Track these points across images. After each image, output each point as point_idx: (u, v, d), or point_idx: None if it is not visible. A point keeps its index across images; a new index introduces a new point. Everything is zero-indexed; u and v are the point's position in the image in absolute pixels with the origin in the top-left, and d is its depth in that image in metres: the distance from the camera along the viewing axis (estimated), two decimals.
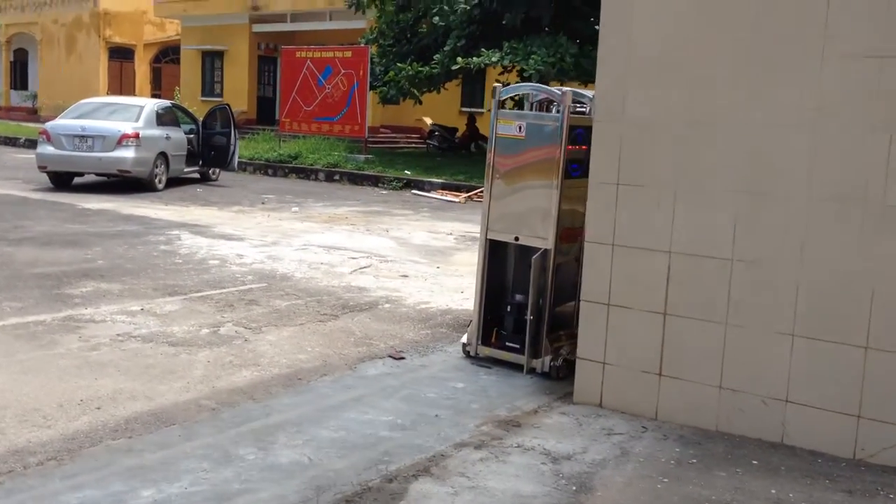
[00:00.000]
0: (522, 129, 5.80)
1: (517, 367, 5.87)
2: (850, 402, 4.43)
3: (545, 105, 6.23)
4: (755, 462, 4.44)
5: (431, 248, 10.64)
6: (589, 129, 5.76)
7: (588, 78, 19.41)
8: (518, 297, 6.07)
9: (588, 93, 5.93)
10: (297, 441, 4.57)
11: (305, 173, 19.82)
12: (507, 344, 5.99)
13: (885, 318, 4.31)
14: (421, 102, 21.74)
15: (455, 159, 21.42)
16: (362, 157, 20.48)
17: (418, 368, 5.87)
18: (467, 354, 6.10)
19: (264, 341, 6.31)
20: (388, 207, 14.66)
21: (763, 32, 4.59)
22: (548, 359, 5.71)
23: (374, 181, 18.42)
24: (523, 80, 24.22)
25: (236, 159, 17.74)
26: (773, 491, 4.10)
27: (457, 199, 15.80)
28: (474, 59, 17.66)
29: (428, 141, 24.44)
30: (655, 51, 4.93)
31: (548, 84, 22.08)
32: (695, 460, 4.46)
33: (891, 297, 4.29)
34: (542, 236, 5.73)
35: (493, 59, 17.37)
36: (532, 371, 5.79)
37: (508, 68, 20.69)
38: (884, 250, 4.30)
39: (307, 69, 22.25)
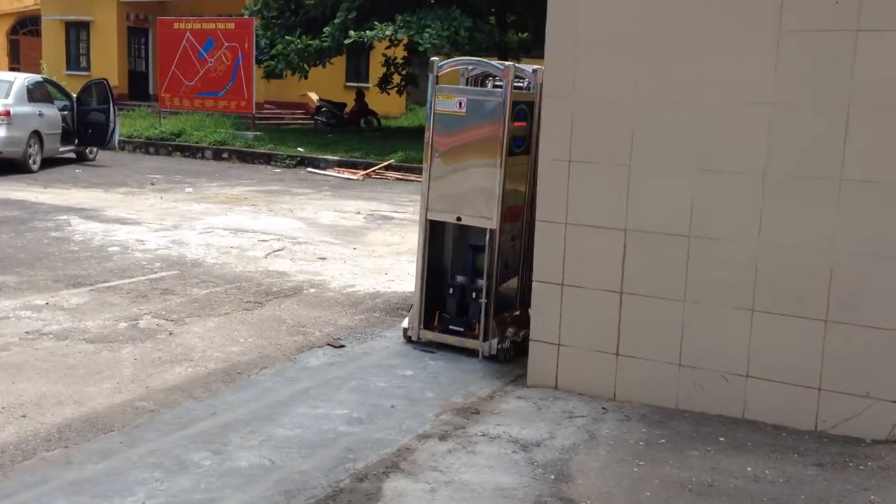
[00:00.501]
0: (463, 104, 5.60)
1: (461, 351, 5.71)
2: (811, 375, 4.48)
3: (480, 80, 6.04)
4: (722, 439, 4.43)
5: (342, 228, 10.32)
6: (531, 105, 5.63)
7: (482, 52, 19.33)
8: (459, 278, 5.90)
9: (526, 67, 5.77)
10: (253, 442, 4.27)
11: (191, 151, 18.98)
12: (450, 327, 5.81)
13: (844, 292, 4.37)
14: (306, 77, 21.14)
15: (347, 136, 20.96)
16: (251, 134, 19.77)
17: (361, 356, 5.62)
18: (408, 339, 5.89)
19: (191, 334, 5.91)
20: (287, 186, 14.19)
21: (716, 7, 4.54)
22: (495, 341, 5.57)
23: (266, 159, 17.81)
24: (410, 54, 24.02)
25: (117, 137, 16.77)
26: (749, 468, 4.09)
27: (355, 177, 15.45)
28: (367, 32, 17.26)
29: (316, 117, 23.82)
30: (607, 25, 4.81)
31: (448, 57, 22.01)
32: (664, 440, 4.42)
33: (849, 270, 4.35)
34: (486, 216, 5.56)
35: (387, 33, 17.02)
36: (479, 354, 5.65)
37: (395, 42, 20.39)
38: (841, 224, 4.34)
39: (187, 42, 21.22)
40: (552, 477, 4.01)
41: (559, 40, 4.95)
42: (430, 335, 5.83)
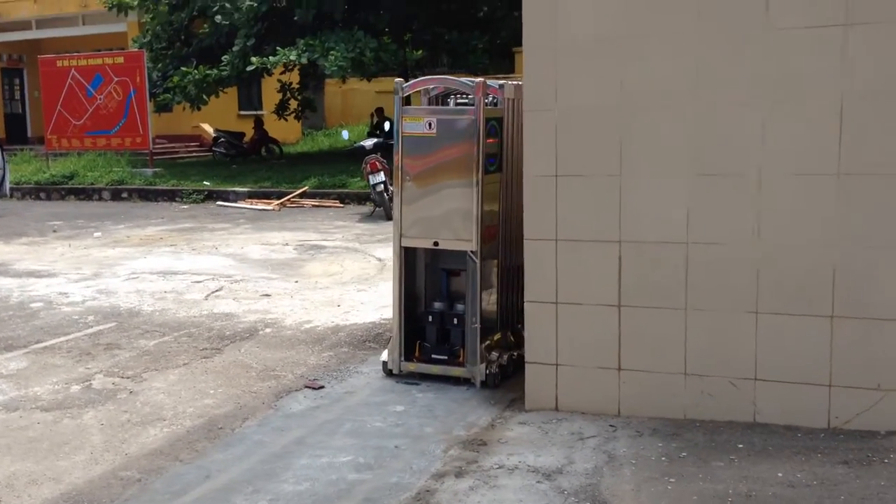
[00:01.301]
0: (433, 125, 5.39)
1: (446, 380, 5.47)
2: (821, 372, 4.45)
3: (441, 99, 5.85)
4: (741, 446, 4.35)
5: (275, 261, 9.92)
6: (500, 121, 5.48)
7: (388, 72, 19.16)
8: (437, 304, 5.67)
9: (492, 82, 5.60)
10: (261, 502, 3.93)
11: (87, 194, 18.05)
12: (433, 356, 5.57)
13: (849, 286, 4.36)
14: (199, 109, 20.44)
15: (251, 165, 20.37)
16: (150, 171, 18.98)
17: (345, 396, 5.32)
18: (389, 373, 5.61)
19: (154, 390, 5.47)
20: (201, 223, 13.62)
21: (705, 6, 4.49)
22: (483, 367, 5.37)
23: (170, 196, 17.10)
24: (309, 77, 23.60)
25: (7, 185, 15.82)
26: (780, 474, 4.01)
27: (270, 207, 14.97)
28: (270, 58, 16.82)
29: (214, 148, 23.06)
30: (588, 28, 4.68)
31: (345, 80, 21.69)
32: (685, 454, 4.30)
33: (852, 263, 4.34)
34: (465, 238, 5.35)
35: (291, 57, 16.62)
36: (467, 382, 5.43)
37: (291, 67, 19.96)
38: (842, 218, 4.34)
39: (73, 79, 20.27)
40: None
41: (537, 50, 4.81)
42: (411, 366, 5.57)
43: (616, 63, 4.65)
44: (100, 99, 19.91)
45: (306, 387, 5.47)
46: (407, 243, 5.53)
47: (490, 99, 5.51)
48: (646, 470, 4.15)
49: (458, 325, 5.54)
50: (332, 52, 16.24)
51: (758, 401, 4.57)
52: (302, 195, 15.63)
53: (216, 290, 8.36)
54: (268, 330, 6.84)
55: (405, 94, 5.52)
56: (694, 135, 4.54)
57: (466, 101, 5.68)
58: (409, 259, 5.65)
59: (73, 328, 7.03)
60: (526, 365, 5.03)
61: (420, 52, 21.07)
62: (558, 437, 4.60)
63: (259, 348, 6.34)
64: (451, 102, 5.78)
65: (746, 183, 4.48)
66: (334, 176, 16.52)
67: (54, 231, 13.21)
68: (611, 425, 4.71)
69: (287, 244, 11.04)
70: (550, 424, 4.77)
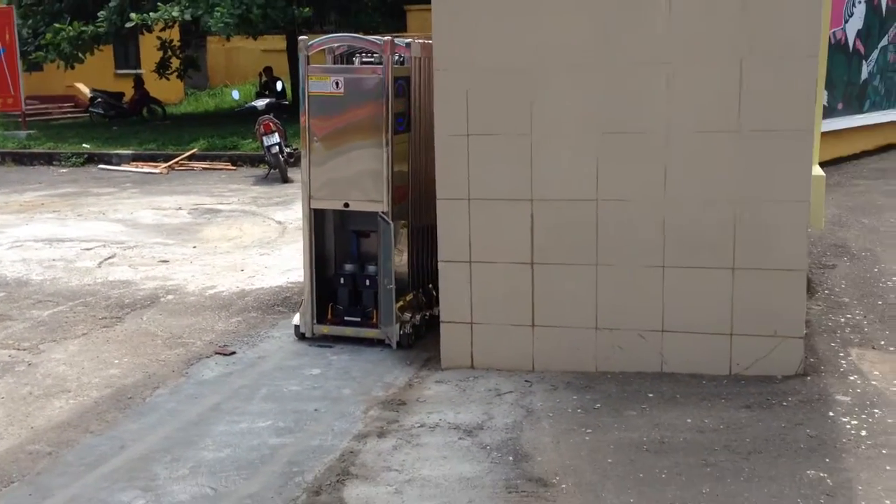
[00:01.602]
0: (340, 84, 5.30)
1: (360, 342, 5.47)
2: (723, 322, 4.66)
3: (346, 58, 5.76)
4: (651, 395, 4.53)
5: (169, 226, 9.61)
6: (407, 80, 5.44)
7: (277, 30, 18.65)
8: (348, 266, 5.64)
9: (399, 40, 5.54)
10: (182, 471, 3.86)
11: None
12: (346, 318, 5.55)
13: (749, 238, 4.57)
14: (73, 67, 19.40)
15: (133, 127, 19.54)
16: (23, 133, 17.95)
17: (258, 361, 5.24)
18: (301, 336, 5.56)
19: (54, 361, 5.26)
20: (84, 187, 13.02)
21: None
22: (397, 327, 5.38)
23: (48, 159, 16.24)
24: (191, 34, 22.78)
25: None
26: (689, 420, 4.21)
27: (157, 170, 14.43)
28: (151, 14, 16.09)
29: (91, 109, 21.97)
30: None
31: (229, 39, 20.99)
32: (599, 405, 4.45)
33: (752, 217, 4.55)
34: (376, 199, 5.32)
35: (174, 14, 15.94)
36: (381, 343, 5.43)
37: (171, 24, 19.19)
38: (742, 174, 4.53)
39: None
40: (510, 458, 3.92)
41: (447, 8, 4.79)
42: (324, 329, 5.54)
43: (524, 22, 4.68)
44: None
45: (217, 353, 5.37)
46: (316, 205, 5.47)
47: (397, 58, 5.47)
48: (563, 422, 4.27)
49: (370, 287, 5.54)
50: (217, 8, 15.66)
51: (665, 351, 4.76)
52: (191, 157, 15.13)
53: (109, 258, 8.05)
54: (170, 297, 6.65)
55: (310, 53, 5.40)
56: (602, 93, 4.64)
57: (372, 59, 5.61)
58: (317, 221, 5.58)
59: None
60: (441, 324, 5.07)
61: (308, 9, 20.60)
62: (476, 395, 4.67)
63: (162, 316, 6.17)
64: (357, 62, 5.70)
65: (653, 140, 4.61)
66: (224, 137, 16.05)
67: None
68: (526, 381, 4.82)
69: (180, 208, 10.71)
70: (467, 382, 4.84)
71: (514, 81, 4.74)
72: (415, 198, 5.55)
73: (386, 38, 5.29)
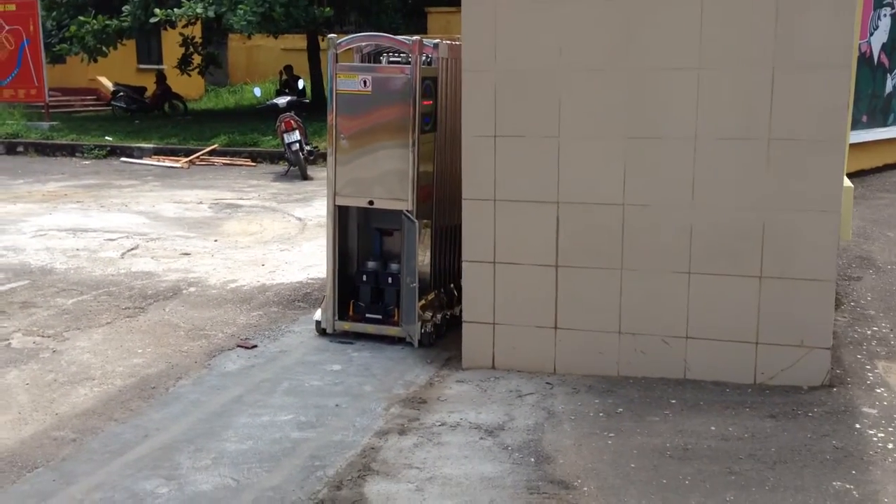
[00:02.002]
0: (368, 83, 5.31)
1: (380, 339, 5.48)
2: (748, 330, 4.64)
3: (374, 57, 5.76)
4: (674, 401, 4.51)
5: (191, 219, 9.65)
6: (435, 81, 5.44)
7: (299, 29, 18.70)
8: (371, 264, 5.65)
9: (427, 41, 5.54)
10: (205, 461, 3.87)
11: None
12: (367, 316, 5.56)
13: (777, 246, 4.54)
14: (96, 60, 19.51)
15: (154, 121, 19.65)
16: (46, 124, 18.09)
17: (279, 356, 5.25)
18: (322, 332, 5.58)
19: (78, 349, 5.29)
20: (106, 179, 13.11)
21: None
22: (419, 326, 5.38)
23: (70, 151, 16.36)
24: (212, 31, 22.86)
25: None
26: (713, 428, 4.19)
27: (178, 165, 14.51)
28: (175, 10, 16.19)
29: (113, 103, 22.10)
30: None
31: (250, 37, 21.06)
32: (621, 409, 4.43)
33: (780, 226, 4.53)
34: (401, 197, 5.33)
35: (198, 11, 16.02)
36: (401, 341, 5.44)
37: (193, 21, 19.27)
38: (771, 182, 4.51)
39: None
40: (532, 460, 3.92)
41: (477, 8, 4.80)
42: (346, 325, 5.55)
43: (554, 25, 4.68)
44: None
45: (238, 346, 5.39)
46: (341, 202, 5.48)
47: (424, 58, 5.44)
48: (585, 425, 4.26)
49: (392, 285, 5.54)
50: (240, 6, 15.73)
51: (688, 358, 4.74)
52: (212, 153, 15.20)
53: (132, 249, 8.09)
54: (192, 289, 6.68)
55: (339, 51, 5.41)
56: (630, 98, 4.62)
57: (399, 59, 5.62)
58: (341, 219, 5.59)
59: None
60: (463, 324, 5.07)
61: (329, 9, 20.66)
62: (497, 395, 4.67)
63: (185, 307, 6.19)
64: (384, 61, 5.71)
65: (681, 146, 4.60)
66: (245, 134, 16.12)
67: None
68: (547, 383, 4.81)
69: (201, 202, 10.75)
70: (488, 382, 4.84)
71: (542, 83, 4.74)
72: (439, 198, 5.55)
73: (415, 38, 5.30)
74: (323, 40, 21.06)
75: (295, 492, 3.63)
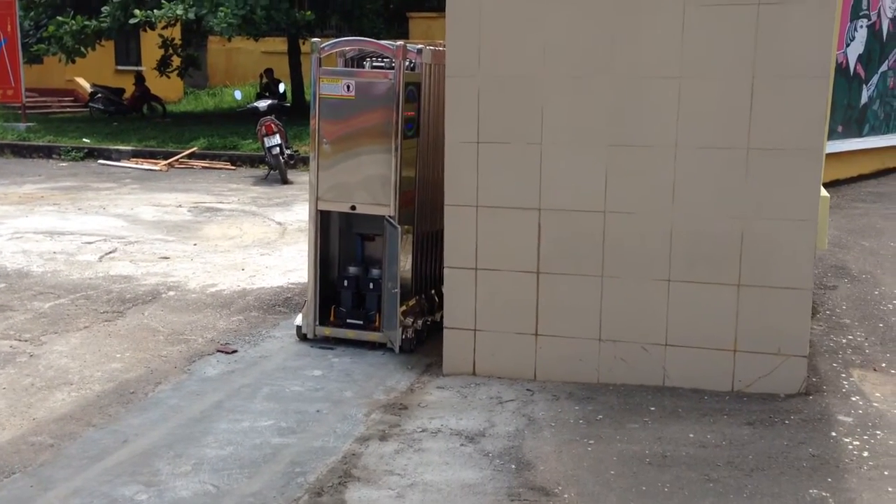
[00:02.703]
0: (351, 88, 5.31)
1: (361, 345, 5.47)
2: (726, 338, 4.68)
3: (357, 62, 5.77)
4: (653, 408, 4.54)
5: (170, 223, 9.60)
6: (418, 86, 5.45)
7: (280, 32, 18.64)
8: (352, 269, 5.64)
9: (411, 46, 5.54)
10: (185, 467, 3.85)
11: None
12: (348, 321, 5.55)
13: (755, 255, 4.59)
14: (74, 61, 19.35)
15: (133, 124, 19.51)
16: (23, 125, 17.94)
17: (260, 361, 5.24)
18: (303, 337, 5.56)
19: (56, 353, 5.25)
20: (84, 181, 13.00)
21: None
22: (399, 331, 5.38)
23: (47, 152, 16.22)
24: (192, 33, 22.75)
25: None
26: (691, 435, 4.22)
27: (157, 168, 14.42)
28: (155, 11, 16.10)
29: (90, 104, 21.95)
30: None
31: (230, 39, 20.96)
32: (601, 416, 4.46)
33: (759, 234, 4.57)
34: (383, 203, 5.33)
35: (178, 12, 15.94)
36: (382, 347, 5.44)
37: (173, 22, 19.18)
38: (750, 191, 4.56)
39: None
40: (513, 466, 3.93)
41: (461, 15, 4.81)
42: (326, 331, 5.53)
43: (538, 31, 4.71)
44: None
45: (218, 351, 5.37)
46: (323, 206, 5.47)
47: (408, 63, 5.46)
48: (565, 432, 4.28)
49: (373, 290, 5.53)
50: (221, 8, 15.68)
51: (667, 365, 4.78)
52: (191, 156, 15.13)
53: (110, 252, 8.03)
54: (171, 293, 6.64)
55: (322, 56, 5.41)
56: (612, 105, 4.66)
57: (383, 64, 5.63)
58: (322, 224, 5.58)
59: None
60: (444, 330, 5.08)
61: (310, 12, 20.63)
62: (477, 402, 4.68)
63: (164, 312, 6.16)
64: (367, 65, 5.71)
65: (661, 154, 4.64)
66: (224, 137, 16.06)
67: None
68: (528, 389, 4.82)
69: (180, 206, 10.69)
70: (469, 389, 4.85)
71: (526, 90, 4.76)
72: (420, 203, 5.56)
73: (398, 43, 5.30)
74: (304, 43, 21.10)
75: (276, 498, 3.62)
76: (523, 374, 4.97)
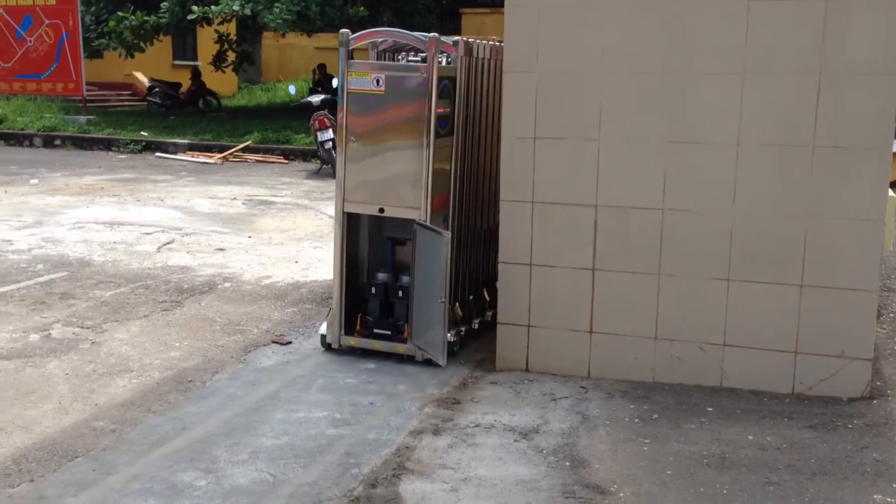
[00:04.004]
0: (381, 82, 4.97)
1: (388, 357, 5.11)
2: (788, 339, 4.59)
3: (391, 55, 5.47)
4: (710, 409, 4.48)
5: (225, 215, 9.73)
6: (453, 81, 5.08)
7: (334, 28, 18.73)
8: (381, 275, 5.29)
9: (446, 38, 5.08)
10: (242, 455, 3.90)
11: (17, 139, 17.35)
12: (375, 331, 5.20)
13: (818, 255, 4.49)
14: (133, 56, 19.70)
15: (189, 117, 19.81)
16: (83, 118, 18.31)
17: (314, 352, 5.28)
18: (328, 347, 5.21)
19: (116, 341, 5.35)
20: (142, 173, 13.24)
21: None
22: (444, 346, 4.95)
23: (106, 145, 16.56)
24: (247, 29, 23.02)
25: None
26: (750, 437, 4.15)
27: (212, 161, 14.62)
28: (212, 7, 16.31)
29: (148, 98, 22.34)
30: None
31: (284, 35, 21.18)
32: (656, 416, 4.41)
33: (823, 234, 4.48)
34: (413, 206, 4.98)
35: (234, 8, 16.13)
36: (411, 359, 5.07)
37: (229, 18, 19.42)
38: (815, 190, 4.46)
39: (0, 20, 19.38)
40: (567, 464, 3.90)
41: (520, 10, 4.79)
42: (352, 341, 5.18)
43: (597, 27, 4.66)
44: (30, 41, 19.09)
45: (273, 342, 5.42)
46: (350, 209, 5.13)
47: (446, 58, 5.14)
48: (620, 431, 4.24)
49: (402, 298, 5.20)
50: (276, 4, 15.83)
51: (725, 365, 4.70)
52: (245, 149, 15.31)
53: (168, 243, 8.17)
54: (227, 284, 6.73)
55: (351, 47, 5.09)
56: (671, 102, 4.60)
57: (418, 59, 5.31)
58: (351, 225, 5.24)
59: (22, 276, 6.81)
60: (498, 325, 5.06)
61: (363, 8, 20.73)
62: (530, 398, 4.66)
63: (220, 302, 6.24)
64: (403, 59, 5.45)
65: (723, 152, 4.56)
66: (278, 131, 16.21)
67: None
68: (581, 387, 4.79)
69: (235, 198, 10.83)
70: (522, 385, 4.83)
71: (584, 85, 4.72)
72: (457, 206, 5.23)
73: (431, 35, 4.98)
74: None
75: (331, 488, 3.64)
76: (577, 371, 4.93)
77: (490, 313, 5.65)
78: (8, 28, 19.31)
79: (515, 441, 4.14)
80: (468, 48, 5.16)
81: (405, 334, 5.16)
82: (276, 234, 8.75)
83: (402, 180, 5.04)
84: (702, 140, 4.60)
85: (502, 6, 4.89)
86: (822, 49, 4.37)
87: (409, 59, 5.48)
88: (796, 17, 4.39)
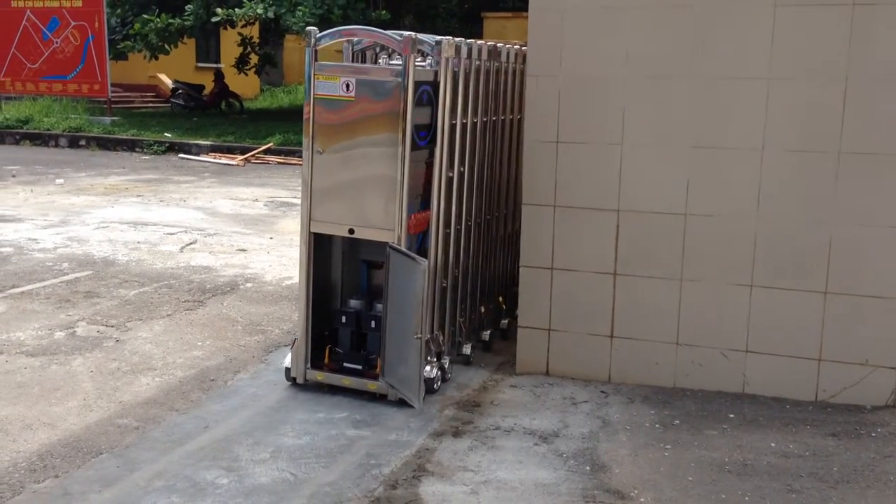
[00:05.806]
0: (351, 87, 4.44)
1: (359, 394, 4.59)
2: (811, 346, 4.56)
3: (374, 58, 5.00)
4: (732, 416, 4.46)
5: (247, 216, 9.79)
6: (435, 87, 4.57)
7: None
8: (353, 302, 4.80)
9: (427, 38, 4.59)
10: (263, 454, 3.93)
11: (43, 139, 17.54)
12: (345, 365, 4.69)
13: (844, 262, 4.46)
14: (157, 58, 19.87)
15: (212, 119, 19.97)
16: (108, 119, 18.49)
17: None
18: (293, 381, 4.69)
19: (140, 340, 5.40)
20: (165, 174, 13.35)
21: None
22: (420, 387, 4.41)
23: (130, 146, 16.71)
24: (270, 32, 23.17)
25: None
26: (772, 444, 4.12)
27: (234, 162, 14.72)
28: (236, 10, 16.44)
29: (172, 100, 22.55)
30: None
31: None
32: (678, 421, 4.39)
33: (848, 241, 4.45)
34: (385, 227, 4.46)
35: (258, 11, 16.26)
36: (383, 398, 4.53)
37: (252, 21, 19.56)
38: (840, 196, 4.44)
39: (28, 21, 19.59)
40: (587, 468, 3.90)
41: (544, 14, 4.80)
42: (319, 376, 4.64)
43: (621, 32, 4.66)
44: (56, 43, 19.30)
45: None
46: (317, 228, 4.62)
47: (428, 61, 4.67)
48: (641, 436, 4.23)
49: (376, 329, 4.63)
50: (299, 7, 15.94)
51: (748, 372, 4.68)
52: (267, 151, 15.41)
53: (190, 243, 8.23)
54: (249, 285, 6.77)
55: (321, 47, 4.56)
56: (695, 107, 4.59)
57: (400, 62, 4.59)
58: (323, 245, 4.80)
59: (48, 274, 6.88)
60: (518, 329, 5.07)
61: (385, 12, 20.78)
62: (550, 402, 4.66)
63: (242, 302, 6.28)
64: (383, 61, 4.93)
65: (747, 157, 4.55)
66: (299, 134, 16.14)
67: (13, 176, 12.82)
68: (602, 391, 4.78)
69: (257, 200, 10.90)
70: (542, 388, 4.83)
71: (607, 90, 4.72)
72: (441, 224, 4.74)
73: (406, 34, 4.43)
74: None
75: (351, 489, 3.66)
76: (597, 375, 4.92)
77: (506, 321, 5.66)
78: (35, 29, 19.53)
79: (535, 444, 4.13)
80: (455, 50, 4.65)
81: (377, 369, 4.60)
82: (297, 235, 8.76)
83: (373, 198, 4.49)
84: (726, 145, 4.58)
85: (525, 10, 4.91)
86: (848, 55, 4.34)
87: (391, 62, 4.86)
88: (823, 22, 4.37)
